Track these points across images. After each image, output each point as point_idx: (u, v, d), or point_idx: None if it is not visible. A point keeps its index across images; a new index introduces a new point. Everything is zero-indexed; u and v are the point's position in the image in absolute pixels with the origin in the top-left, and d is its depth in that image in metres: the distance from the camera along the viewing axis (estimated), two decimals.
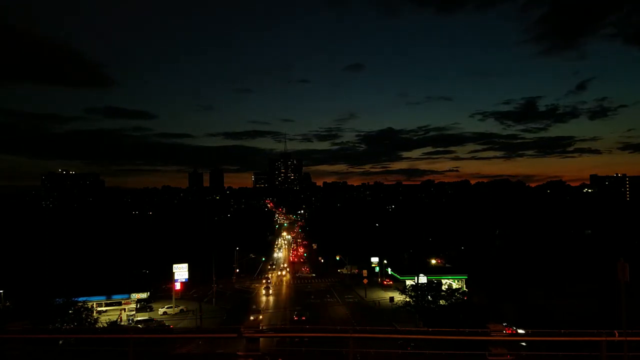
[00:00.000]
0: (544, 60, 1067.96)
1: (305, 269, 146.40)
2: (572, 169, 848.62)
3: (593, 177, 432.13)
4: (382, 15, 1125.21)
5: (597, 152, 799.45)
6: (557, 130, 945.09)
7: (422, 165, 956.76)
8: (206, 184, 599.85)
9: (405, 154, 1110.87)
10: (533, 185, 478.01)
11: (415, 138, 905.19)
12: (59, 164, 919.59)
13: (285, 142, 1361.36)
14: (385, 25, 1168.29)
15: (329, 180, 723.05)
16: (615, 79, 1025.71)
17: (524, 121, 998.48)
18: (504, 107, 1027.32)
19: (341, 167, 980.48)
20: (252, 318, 79.16)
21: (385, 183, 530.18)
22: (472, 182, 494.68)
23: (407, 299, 74.69)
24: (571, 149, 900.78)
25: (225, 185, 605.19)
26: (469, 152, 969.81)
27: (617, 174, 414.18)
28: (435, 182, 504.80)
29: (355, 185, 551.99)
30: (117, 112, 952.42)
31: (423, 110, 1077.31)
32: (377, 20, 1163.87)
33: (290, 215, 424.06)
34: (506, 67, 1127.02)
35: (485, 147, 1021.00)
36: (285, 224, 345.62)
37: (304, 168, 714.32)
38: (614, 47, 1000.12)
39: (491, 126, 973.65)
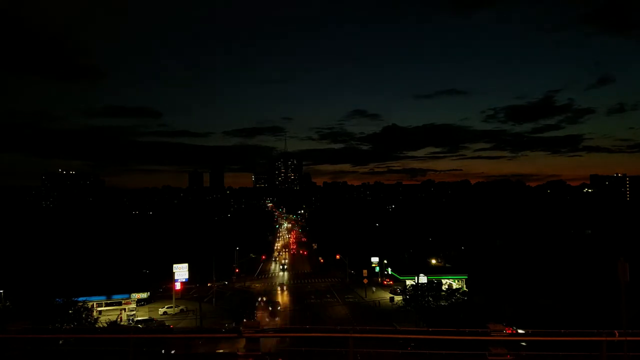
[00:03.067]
0: (563, 53, 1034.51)
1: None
2: (575, 168, 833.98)
3: (593, 177, 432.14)
4: (388, 5, 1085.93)
5: (607, 150, 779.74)
6: (570, 128, 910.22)
7: (427, 165, 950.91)
8: (206, 183, 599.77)
9: (410, 153, 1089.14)
10: (533, 184, 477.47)
11: (420, 136, 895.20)
12: (59, 164, 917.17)
13: (285, 141, 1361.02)
14: (391, 16, 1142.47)
15: (330, 179, 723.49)
16: (635, 74, 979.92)
17: (536, 118, 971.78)
18: (517, 102, 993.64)
19: (343, 166, 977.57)
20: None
21: (386, 183, 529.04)
22: (473, 181, 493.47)
23: (407, 298, 74.75)
24: (580, 146, 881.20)
25: (225, 185, 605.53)
26: (474, 151, 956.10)
27: (617, 174, 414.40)
28: (436, 181, 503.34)
29: (355, 185, 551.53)
30: (117, 110, 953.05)
31: (430, 107, 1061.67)
32: (382, 10, 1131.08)
33: (290, 215, 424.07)
34: (522, 60, 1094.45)
35: (491, 145, 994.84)
36: (285, 224, 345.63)
37: (304, 168, 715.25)
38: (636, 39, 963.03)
39: (500, 123, 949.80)
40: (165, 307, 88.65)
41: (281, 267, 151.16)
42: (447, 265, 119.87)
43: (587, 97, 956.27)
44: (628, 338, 15.75)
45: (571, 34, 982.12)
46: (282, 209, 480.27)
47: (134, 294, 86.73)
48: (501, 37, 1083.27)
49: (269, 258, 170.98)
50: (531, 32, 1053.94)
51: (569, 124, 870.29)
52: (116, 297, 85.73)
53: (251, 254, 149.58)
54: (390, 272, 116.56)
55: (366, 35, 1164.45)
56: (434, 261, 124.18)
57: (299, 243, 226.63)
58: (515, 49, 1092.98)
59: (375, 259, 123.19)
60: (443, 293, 73.66)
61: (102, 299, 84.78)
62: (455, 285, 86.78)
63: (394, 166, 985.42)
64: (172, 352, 41.67)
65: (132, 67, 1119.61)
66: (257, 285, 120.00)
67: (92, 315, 65.41)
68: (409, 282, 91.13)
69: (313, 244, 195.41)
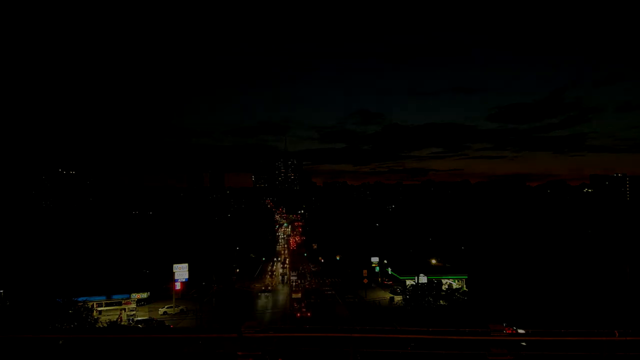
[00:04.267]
0: (571, 51, 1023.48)
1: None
2: (576, 168, 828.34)
3: (593, 177, 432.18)
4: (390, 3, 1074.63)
5: (609, 150, 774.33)
6: (575, 127, 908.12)
7: (428, 164, 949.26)
8: (206, 184, 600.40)
9: (412, 153, 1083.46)
10: (533, 184, 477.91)
11: (422, 136, 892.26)
12: (58, 164, 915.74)
13: (286, 141, 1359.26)
14: (393, 14, 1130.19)
15: (330, 179, 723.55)
16: None
17: (541, 117, 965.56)
18: (523, 99, 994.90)
19: (343, 166, 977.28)
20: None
21: (386, 182, 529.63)
22: (474, 181, 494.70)
23: (407, 298, 74.79)
24: (582, 146, 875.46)
25: (225, 185, 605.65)
26: (476, 150, 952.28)
27: (616, 174, 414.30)
28: (437, 181, 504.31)
29: (355, 185, 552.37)
30: (118, 109, 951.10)
31: (433, 105, 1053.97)
32: (383, 8, 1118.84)
33: (290, 215, 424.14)
34: (527, 58, 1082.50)
35: (493, 144, 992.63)
36: (285, 224, 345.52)
37: (304, 167, 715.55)
38: None
39: (504, 122, 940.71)
40: (165, 307, 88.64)
41: (281, 267, 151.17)
42: (447, 265, 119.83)
43: (594, 96, 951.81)
44: (628, 338, 15.75)
45: (579, 32, 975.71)
46: (282, 209, 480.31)
47: (134, 294, 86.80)
48: (506, 35, 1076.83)
49: (269, 258, 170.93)
50: (537, 30, 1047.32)
51: (574, 122, 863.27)
52: (116, 297, 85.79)
53: (251, 254, 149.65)
54: (390, 272, 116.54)
55: (368, 33, 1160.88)
56: (434, 261, 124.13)
57: (299, 243, 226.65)
58: (520, 47, 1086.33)
59: (375, 259, 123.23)
60: (443, 293, 73.67)
61: (102, 299, 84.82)
62: (455, 285, 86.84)
63: (395, 166, 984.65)
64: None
65: (132, 67, 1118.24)
66: (258, 285, 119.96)
67: (92, 316, 65.33)
68: (409, 282, 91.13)
69: (313, 244, 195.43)
